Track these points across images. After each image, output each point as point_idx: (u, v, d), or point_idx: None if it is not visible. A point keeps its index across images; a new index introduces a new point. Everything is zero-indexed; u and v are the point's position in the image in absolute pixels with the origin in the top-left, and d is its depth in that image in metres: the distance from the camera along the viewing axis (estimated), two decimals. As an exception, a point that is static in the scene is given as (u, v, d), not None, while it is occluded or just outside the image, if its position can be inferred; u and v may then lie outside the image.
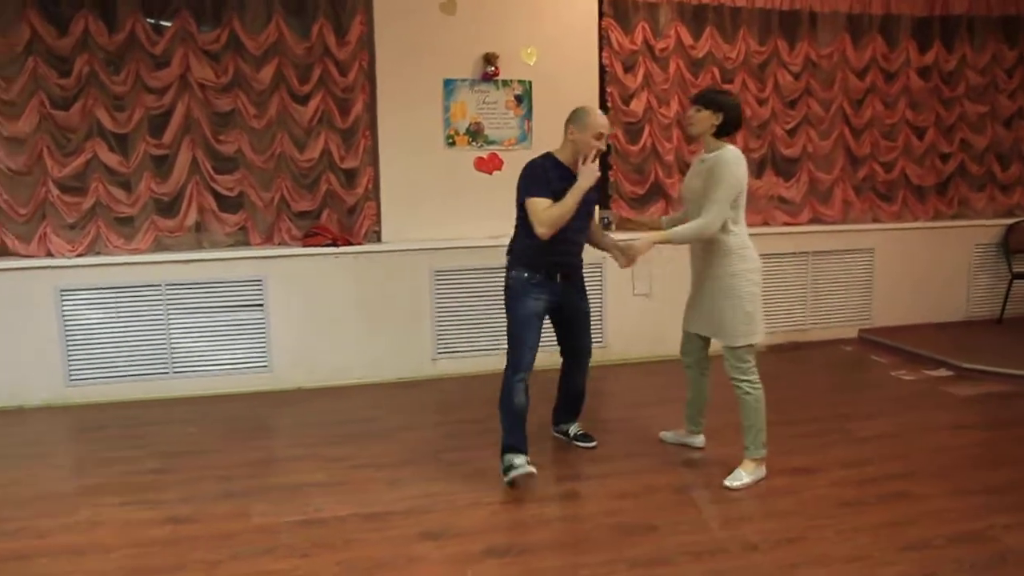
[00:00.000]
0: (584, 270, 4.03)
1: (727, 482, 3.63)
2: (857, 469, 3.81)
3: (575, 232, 3.78)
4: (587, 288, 4.06)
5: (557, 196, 3.61)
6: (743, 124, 3.73)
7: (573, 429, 4.22)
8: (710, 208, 3.52)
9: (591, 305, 4.13)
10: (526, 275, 3.76)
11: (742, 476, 3.66)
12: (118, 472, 3.90)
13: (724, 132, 3.64)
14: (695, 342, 3.98)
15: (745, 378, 3.68)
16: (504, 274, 3.86)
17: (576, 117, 3.70)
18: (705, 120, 3.63)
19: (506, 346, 3.78)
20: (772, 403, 4.78)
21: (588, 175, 3.60)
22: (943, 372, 5.44)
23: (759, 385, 3.70)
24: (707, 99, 3.65)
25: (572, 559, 3.03)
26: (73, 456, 4.31)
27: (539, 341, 3.78)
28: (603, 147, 3.70)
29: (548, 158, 3.75)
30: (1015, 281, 6.56)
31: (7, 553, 3.13)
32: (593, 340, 4.26)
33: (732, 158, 3.56)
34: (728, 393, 3.78)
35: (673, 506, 3.46)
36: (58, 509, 3.50)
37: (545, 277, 3.78)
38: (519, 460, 3.63)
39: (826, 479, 3.71)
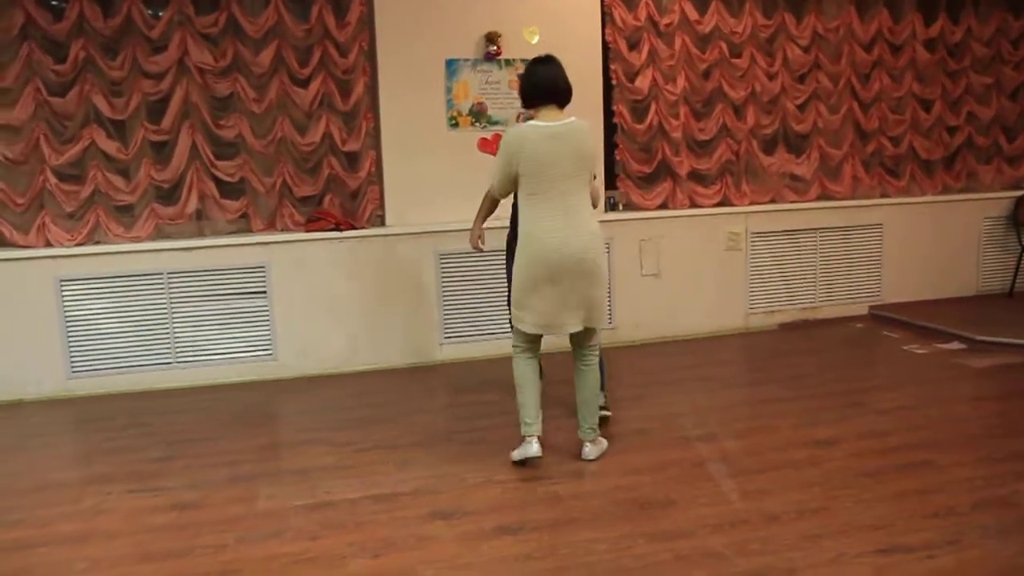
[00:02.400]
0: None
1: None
2: (877, 440, 3.74)
3: None
4: None
5: None
6: (549, 92, 3.49)
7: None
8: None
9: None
10: None
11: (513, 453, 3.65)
12: (122, 461, 3.83)
13: (529, 104, 3.55)
14: None
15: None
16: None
17: None
18: None
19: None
20: (787, 379, 4.79)
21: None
22: (956, 345, 5.36)
23: (516, 369, 3.62)
24: None
25: (588, 535, 2.95)
26: (76, 446, 4.25)
27: None
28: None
29: None
30: (1026, 254, 6.49)
31: (7, 543, 3.05)
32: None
33: (507, 133, 3.57)
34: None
35: (690, 480, 3.38)
36: (61, 498, 3.44)
37: None
38: None
39: (846, 450, 3.63)
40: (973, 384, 4.62)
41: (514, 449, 3.64)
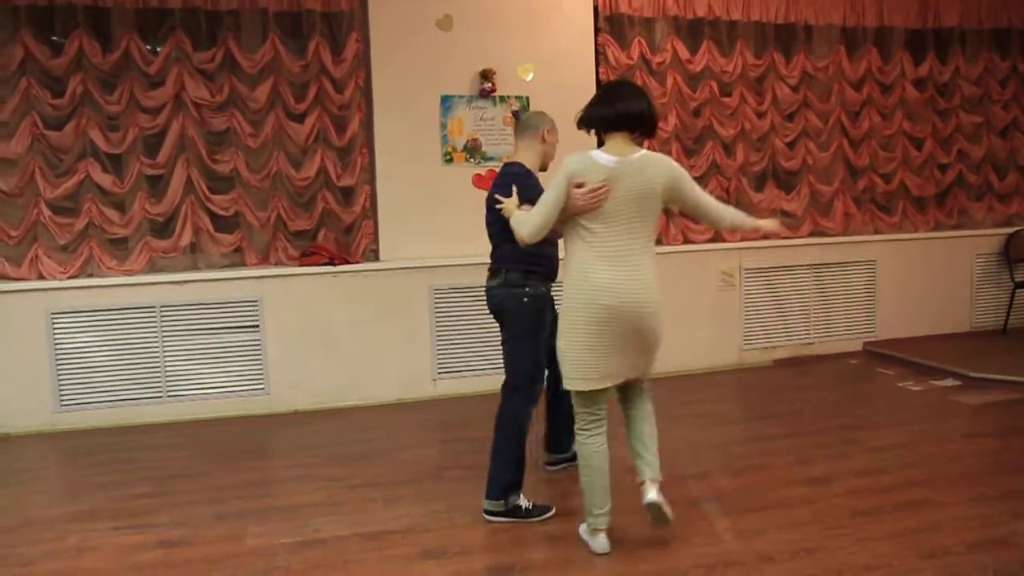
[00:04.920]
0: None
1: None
2: (873, 478, 3.70)
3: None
4: None
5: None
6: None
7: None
8: None
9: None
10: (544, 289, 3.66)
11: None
12: (108, 497, 3.77)
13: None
14: None
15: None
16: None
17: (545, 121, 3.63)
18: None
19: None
20: (782, 416, 4.76)
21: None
22: (950, 382, 5.35)
23: (583, 442, 3.08)
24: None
25: None
26: (62, 482, 4.19)
27: None
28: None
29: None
30: (1018, 290, 6.50)
31: (-10, 581, 3.01)
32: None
33: None
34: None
35: (684, 519, 3.33)
36: (45, 535, 3.38)
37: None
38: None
39: (841, 488, 3.60)
40: (968, 421, 4.60)
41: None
